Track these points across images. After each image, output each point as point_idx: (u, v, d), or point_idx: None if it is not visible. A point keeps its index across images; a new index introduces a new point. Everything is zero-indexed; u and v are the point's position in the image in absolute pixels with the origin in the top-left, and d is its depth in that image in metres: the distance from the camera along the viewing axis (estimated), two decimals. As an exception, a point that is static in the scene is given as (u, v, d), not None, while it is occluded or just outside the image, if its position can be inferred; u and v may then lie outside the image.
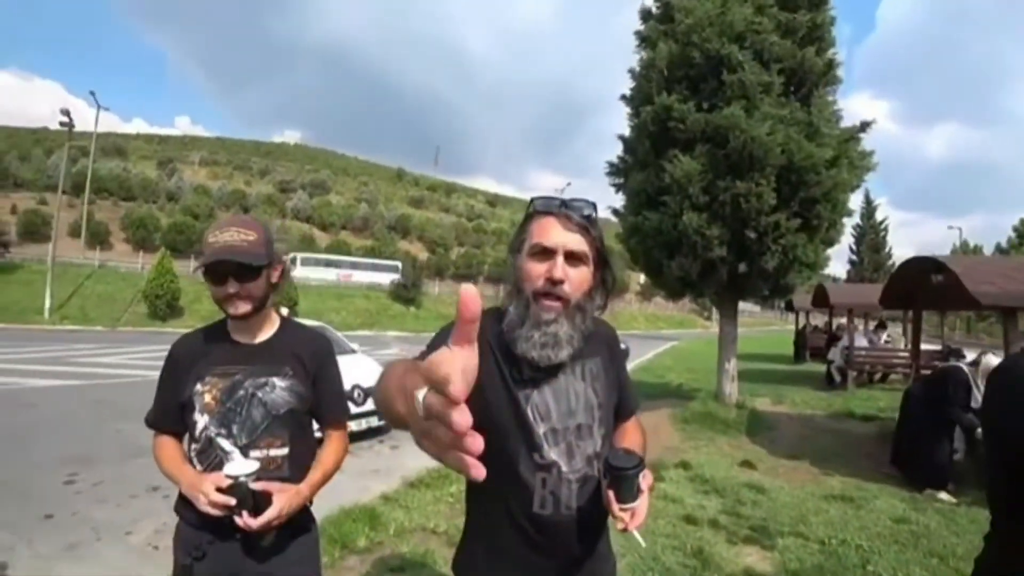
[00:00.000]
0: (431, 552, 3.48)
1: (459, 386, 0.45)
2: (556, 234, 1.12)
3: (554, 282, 1.10)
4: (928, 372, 6.27)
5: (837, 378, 12.13)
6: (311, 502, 1.60)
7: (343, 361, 7.46)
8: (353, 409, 6.35)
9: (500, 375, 1.16)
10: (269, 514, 1.36)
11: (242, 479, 1.33)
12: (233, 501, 1.32)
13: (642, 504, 1.05)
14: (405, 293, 30.99)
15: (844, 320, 13.21)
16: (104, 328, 20.63)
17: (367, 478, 5.20)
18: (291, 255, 23.05)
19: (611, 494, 1.05)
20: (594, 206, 1.19)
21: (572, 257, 1.12)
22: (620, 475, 1.04)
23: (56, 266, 21.71)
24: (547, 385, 1.16)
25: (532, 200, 1.20)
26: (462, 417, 0.46)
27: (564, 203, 1.15)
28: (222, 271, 1.44)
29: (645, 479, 1.06)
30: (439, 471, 5.13)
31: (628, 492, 1.04)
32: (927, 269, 6.70)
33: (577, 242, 1.12)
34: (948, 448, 5.11)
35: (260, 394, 1.50)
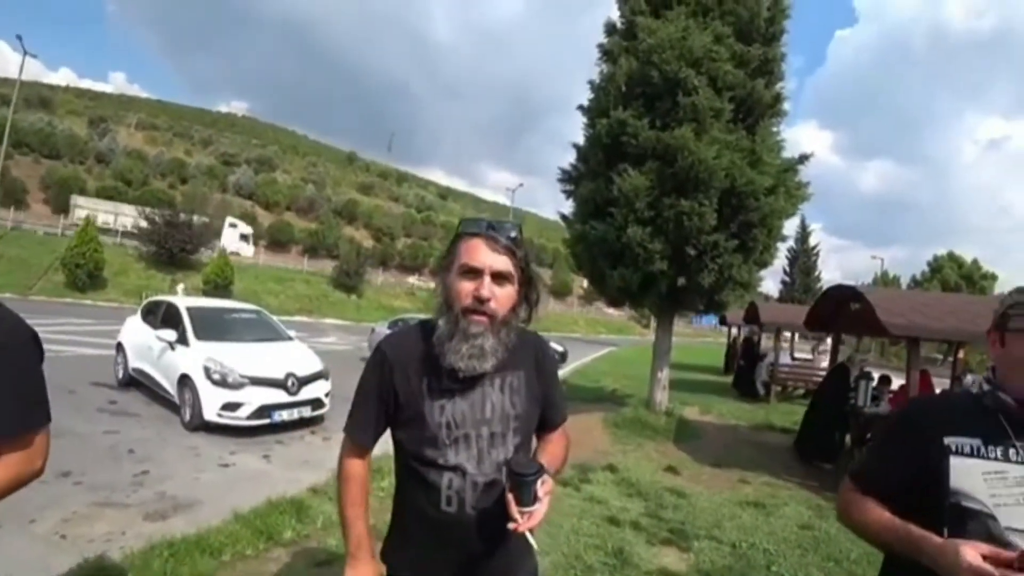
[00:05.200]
0: (359, 546, 3.48)
1: None
2: (483, 255, 1.22)
3: (481, 300, 1.20)
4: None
5: (761, 391, 12.85)
6: None
7: (278, 348, 7.13)
8: (285, 398, 6.22)
9: (419, 387, 1.27)
10: None
11: None
12: None
13: (539, 509, 1.14)
14: (347, 281, 30.24)
15: (765, 336, 13.99)
16: (14, 295, 19.07)
17: (297, 469, 5.10)
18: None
19: (510, 496, 1.14)
20: (519, 228, 1.29)
21: (498, 276, 1.22)
22: (519, 480, 1.13)
23: (-38, 223, 19.88)
24: (464, 395, 1.27)
25: (460, 222, 1.30)
26: None
27: (491, 225, 1.25)
28: None
29: (544, 486, 1.15)
30: (372, 464, 5.10)
31: (526, 496, 1.13)
32: (848, 297, 7.22)
33: (503, 263, 1.23)
34: (840, 432, 7.09)
35: None
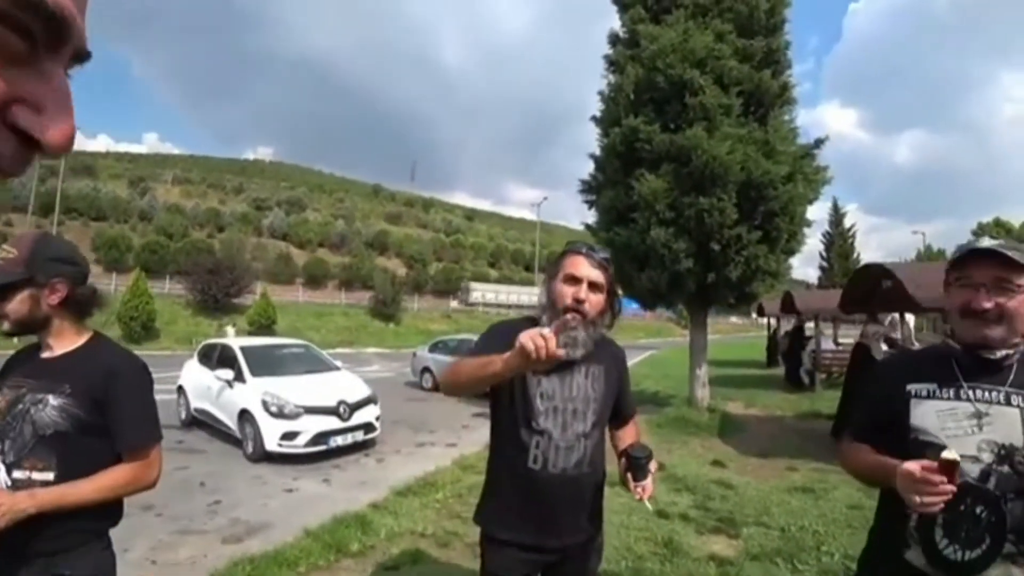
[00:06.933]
0: (422, 552, 3.71)
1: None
2: (583, 268, 1.58)
3: (579, 301, 1.55)
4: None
5: (806, 380, 12.62)
6: (106, 536, 1.60)
7: (327, 378, 7.48)
8: (338, 424, 6.53)
9: None
10: None
11: None
12: None
13: (649, 481, 1.51)
14: (384, 310, 30.93)
15: (808, 325, 13.75)
16: (77, 352, 20.22)
17: (355, 489, 5.38)
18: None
19: (629, 476, 1.50)
20: (610, 251, 1.73)
21: (592, 286, 1.57)
22: (636, 462, 1.50)
23: (26, 290, 21.19)
24: (558, 375, 1.60)
25: (568, 243, 1.70)
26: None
27: (591, 247, 1.64)
28: None
29: (652, 464, 1.52)
30: (425, 480, 5.35)
31: (642, 473, 1.50)
32: (878, 275, 7.18)
33: (597, 276, 1.58)
34: None
35: (33, 411, 1.41)
